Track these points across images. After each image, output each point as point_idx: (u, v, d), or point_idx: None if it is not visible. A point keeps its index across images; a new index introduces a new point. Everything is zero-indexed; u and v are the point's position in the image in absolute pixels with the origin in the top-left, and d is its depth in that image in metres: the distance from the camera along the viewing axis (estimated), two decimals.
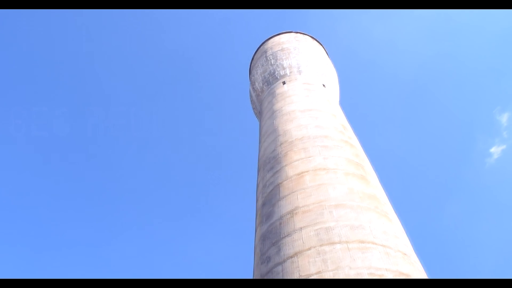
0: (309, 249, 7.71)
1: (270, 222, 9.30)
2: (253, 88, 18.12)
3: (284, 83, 15.76)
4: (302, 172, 9.99)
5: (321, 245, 7.69)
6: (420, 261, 8.53)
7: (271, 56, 17.71)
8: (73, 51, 48.84)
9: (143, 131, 50.46)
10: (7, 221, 43.62)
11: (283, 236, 8.47)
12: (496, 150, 43.72)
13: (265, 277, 8.04)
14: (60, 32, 47.48)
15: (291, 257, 7.78)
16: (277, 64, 16.99)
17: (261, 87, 17.16)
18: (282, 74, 16.38)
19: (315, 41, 19.45)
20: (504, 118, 43.48)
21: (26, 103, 46.88)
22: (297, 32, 19.38)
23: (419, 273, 7.69)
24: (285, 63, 16.80)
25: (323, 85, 15.89)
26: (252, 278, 9.19)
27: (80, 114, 47.83)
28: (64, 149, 47.46)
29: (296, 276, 7.32)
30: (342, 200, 8.84)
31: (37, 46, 46.95)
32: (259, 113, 17.21)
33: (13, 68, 46.40)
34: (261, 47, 19.44)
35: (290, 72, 16.26)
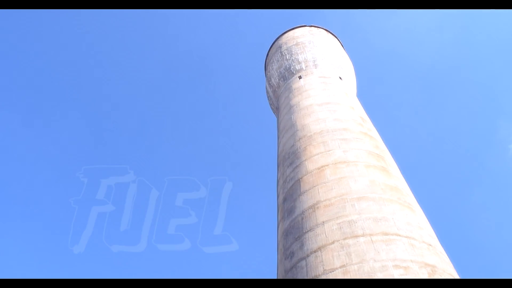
0: (333, 243, 7.69)
1: (292, 217, 9.31)
2: (269, 84, 18.10)
3: (300, 77, 15.69)
4: (322, 166, 9.96)
5: (344, 239, 7.66)
6: (446, 252, 8.41)
7: (286, 51, 17.65)
8: (86, 52, 49.64)
9: (156, 131, 50.99)
10: (11, 221, 44.51)
11: (306, 230, 8.47)
12: None
13: (289, 272, 8.06)
14: (67, 32, 48.23)
15: (315, 251, 7.78)
16: (292, 59, 16.92)
17: (277, 83, 17.13)
18: (298, 68, 16.31)
19: (330, 34, 19.28)
20: None
21: (32, 104, 47.71)
22: (311, 26, 19.23)
23: (445, 264, 7.59)
24: (301, 57, 16.71)
25: (340, 78, 15.77)
26: (276, 273, 9.24)
27: (90, 114, 48.67)
28: (72, 149, 48.27)
29: (320, 270, 7.32)
30: (364, 192, 8.78)
31: (41, 46, 47.65)
32: (276, 109, 17.19)
33: (15, 69, 47.26)
34: (276, 42, 19.38)
35: (306, 66, 16.18)
